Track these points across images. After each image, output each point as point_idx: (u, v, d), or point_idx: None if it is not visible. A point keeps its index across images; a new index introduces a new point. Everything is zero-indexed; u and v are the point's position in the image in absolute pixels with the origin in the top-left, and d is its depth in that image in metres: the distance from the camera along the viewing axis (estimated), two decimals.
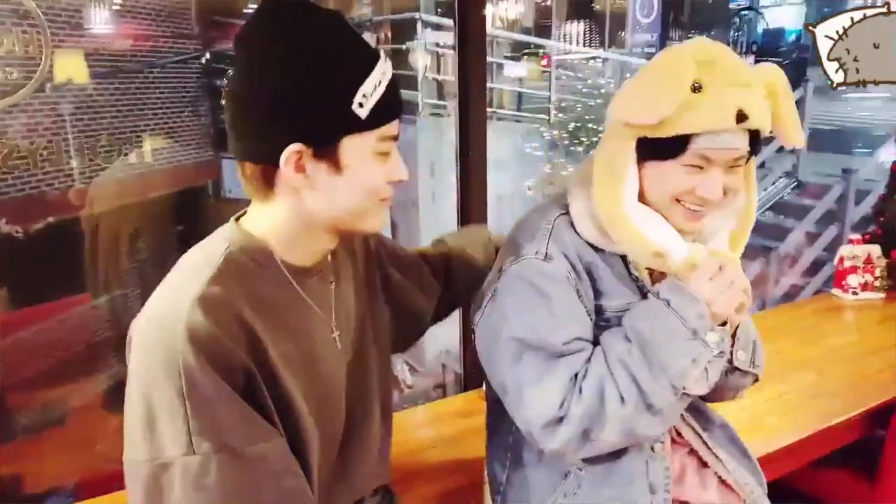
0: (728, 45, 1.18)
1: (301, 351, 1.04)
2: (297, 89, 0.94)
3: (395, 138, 1.03)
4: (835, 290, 2.87)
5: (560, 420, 1.14)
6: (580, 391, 1.13)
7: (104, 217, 3.23)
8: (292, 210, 1.01)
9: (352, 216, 1.03)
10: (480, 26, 2.05)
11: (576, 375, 1.15)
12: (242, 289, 0.97)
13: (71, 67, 3.20)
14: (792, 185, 7.90)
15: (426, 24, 7.17)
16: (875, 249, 2.83)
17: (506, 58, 10.05)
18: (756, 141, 1.15)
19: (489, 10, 2.07)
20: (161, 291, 0.99)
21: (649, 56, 10.14)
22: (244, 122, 0.98)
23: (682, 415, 1.31)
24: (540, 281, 1.18)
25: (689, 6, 15.73)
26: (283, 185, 0.99)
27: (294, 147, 0.95)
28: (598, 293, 1.21)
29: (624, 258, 1.22)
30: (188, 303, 0.92)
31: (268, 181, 0.99)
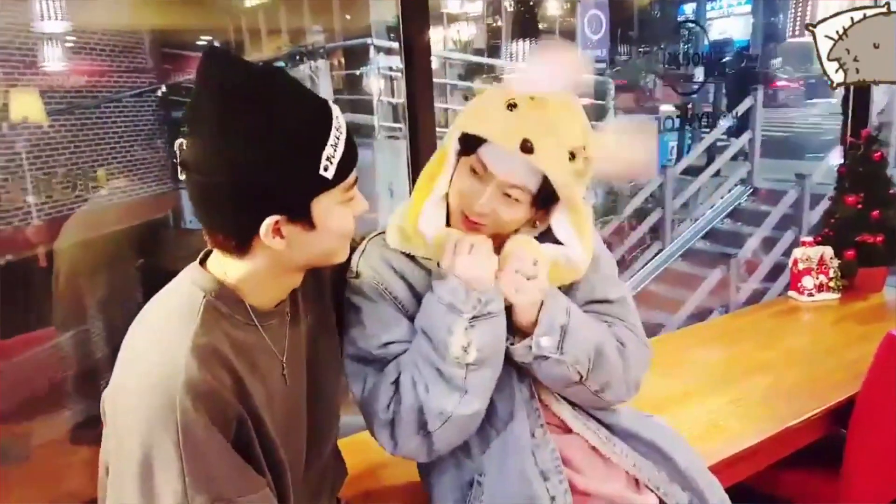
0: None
1: (266, 390, 1.07)
2: (267, 170, 0.96)
3: (356, 180, 1.06)
4: (791, 293, 2.89)
5: (392, 423, 1.20)
6: (397, 389, 1.20)
7: (63, 253, 3.18)
8: (264, 262, 1.03)
9: (325, 257, 1.09)
10: (425, 50, 2.10)
11: (397, 379, 1.21)
12: (224, 336, 1.00)
13: (27, 106, 3.17)
14: (748, 192, 8.04)
15: (379, 49, 7.22)
16: (827, 251, 2.85)
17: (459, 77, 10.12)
18: (547, 193, 1.18)
19: (441, 33, 2.12)
20: (140, 346, 0.99)
21: (600, 72, 10.30)
22: (212, 200, 0.99)
23: (589, 416, 1.35)
24: (353, 297, 1.27)
25: (638, 22, 15.89)
26: (258, 248, 1.01)
27: (270, 220, 0.97)
28: (417, 296, 1.26)
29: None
30: (183, 356, 0.93)
31: (241, 248, 1.01)
